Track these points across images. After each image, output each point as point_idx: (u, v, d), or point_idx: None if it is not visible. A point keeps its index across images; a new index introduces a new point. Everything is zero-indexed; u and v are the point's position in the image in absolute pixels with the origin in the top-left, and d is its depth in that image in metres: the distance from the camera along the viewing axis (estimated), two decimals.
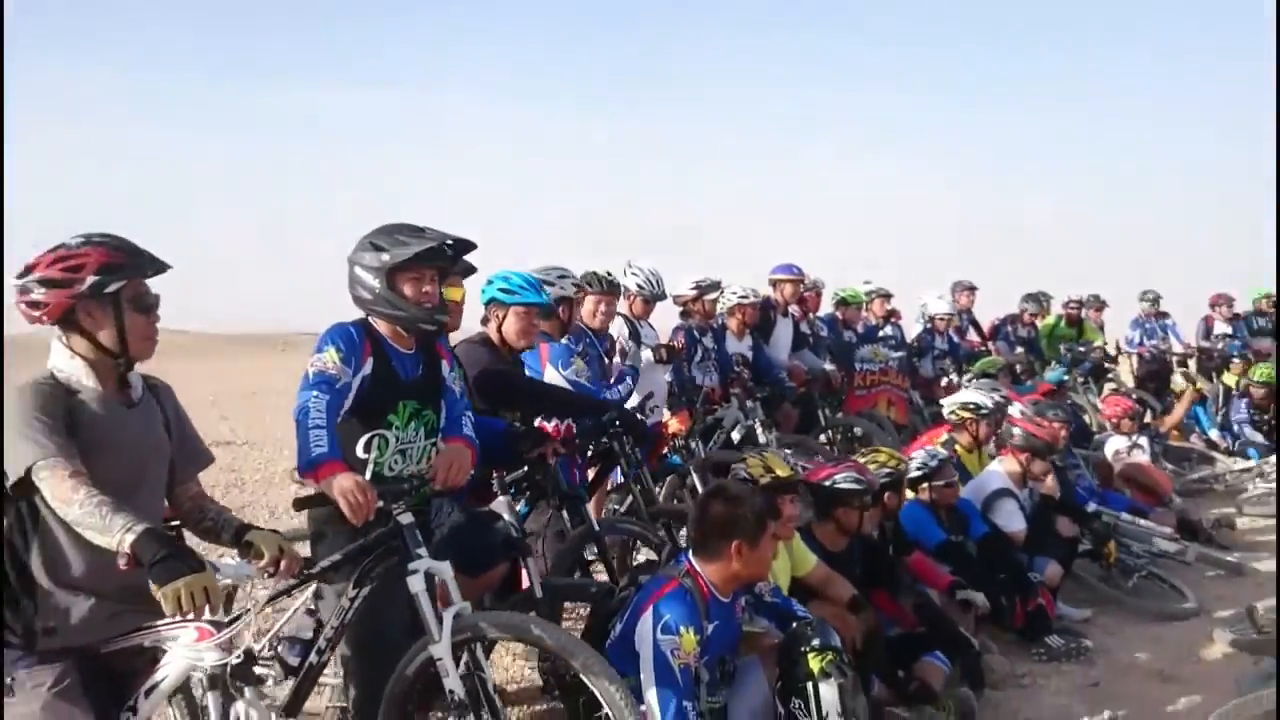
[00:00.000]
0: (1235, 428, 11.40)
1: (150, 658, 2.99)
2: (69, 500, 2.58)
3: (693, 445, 6.69)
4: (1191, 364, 13.76)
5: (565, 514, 4.88)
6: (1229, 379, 12.64)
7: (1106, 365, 12.78)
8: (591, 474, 5.78)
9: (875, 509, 5.29)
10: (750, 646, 3.94)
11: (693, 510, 3.89)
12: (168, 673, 2.87)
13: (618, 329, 6.99)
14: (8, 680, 2.75)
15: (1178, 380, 12.27)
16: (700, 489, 6.19)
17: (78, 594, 2.81)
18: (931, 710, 4.64)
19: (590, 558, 5.15)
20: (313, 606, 3.49)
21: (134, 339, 2.87)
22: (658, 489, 6.12)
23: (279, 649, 3.37)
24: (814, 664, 3.52)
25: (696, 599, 3.54)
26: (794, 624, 3.83)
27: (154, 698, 2.90)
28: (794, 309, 9.34)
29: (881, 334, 10.79)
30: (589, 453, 5.58)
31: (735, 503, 3.62)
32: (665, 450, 6.45)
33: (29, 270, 2.82)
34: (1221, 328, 13.81)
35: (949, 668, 4.92)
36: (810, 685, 3.49)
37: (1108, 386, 12.47)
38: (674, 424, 6.63)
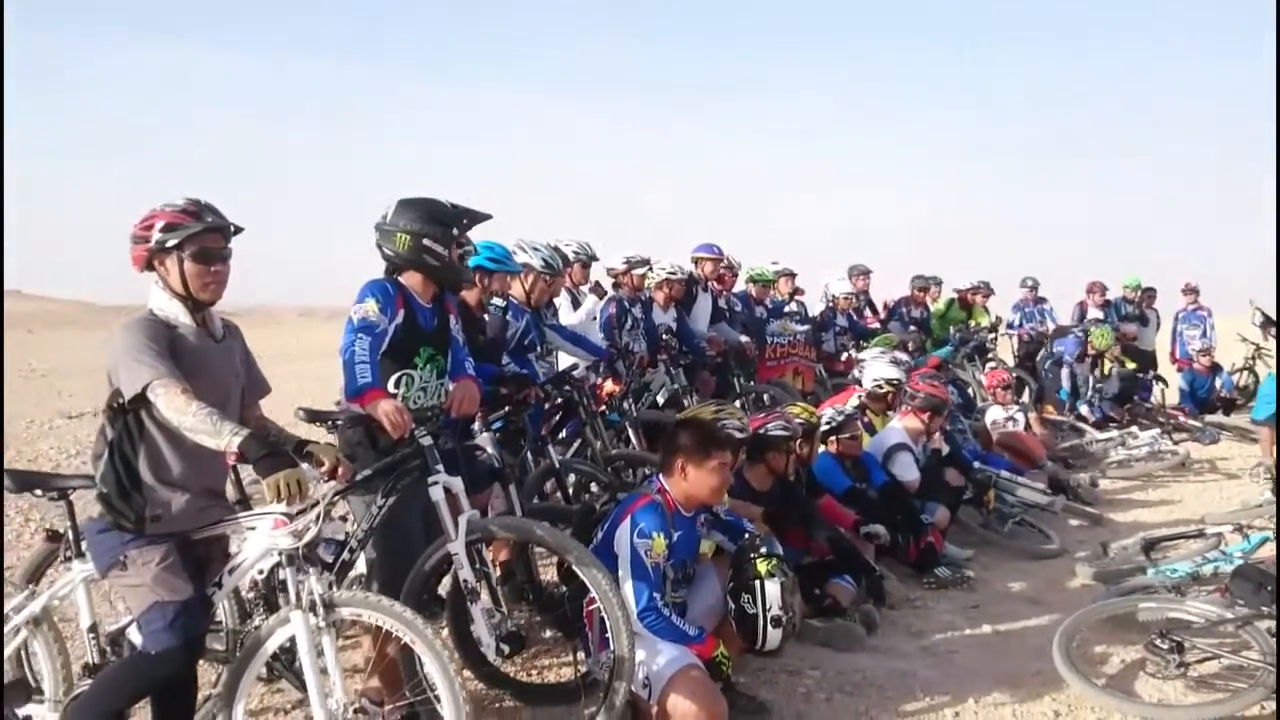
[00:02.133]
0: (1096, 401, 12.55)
1: (223, 547, 3.64)
2: (184, 410, 3.19)
3: (625, 405, 7.43)
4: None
5: (530, 455, 5.58)
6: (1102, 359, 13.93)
7: (989, 345, 13.92)
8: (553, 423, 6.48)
9: (794, 454, 6.13)
10: (708, 557, 4.72)
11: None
12: (247, 554, 3.52)
13: (561, 297, 7.72)
14: (120, 558, 3.37)
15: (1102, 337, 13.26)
16: (635, 442, 7.01)
17: (175, 490, 3.44)
18: (841, 620, 5.50)
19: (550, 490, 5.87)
20: (345, 514, 4.17)
21: (194, 284, 3.44)
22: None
23: (318, 549, 4.04)
24: (761, 566, 4.31)
25: (665, 511, 4.33)
26: (744, 536, 4.61)
27: (236, 574, 3.54)
28: (713, 285, 10.13)
29: (787, 309, 11.66)
30: (549, 404, 6.29)
31: (684, 432, 4.46)
32: (604, 408, 7.18)
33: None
34: (1094, 313, 15.10)
35: (855, 588, 5.81)
36: (758, 583, 4.28)
37: (989, 366, 13.57)
38: (609, 385, 7.37)
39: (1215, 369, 14.27)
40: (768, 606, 4.25)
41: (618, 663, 3.81)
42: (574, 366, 7.31)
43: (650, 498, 4.37)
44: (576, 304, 8.11)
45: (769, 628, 4.26)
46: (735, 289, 11.01)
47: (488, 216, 4.36)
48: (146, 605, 3.34)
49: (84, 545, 3.63)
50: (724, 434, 4.66)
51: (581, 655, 4.36)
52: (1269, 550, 5.90)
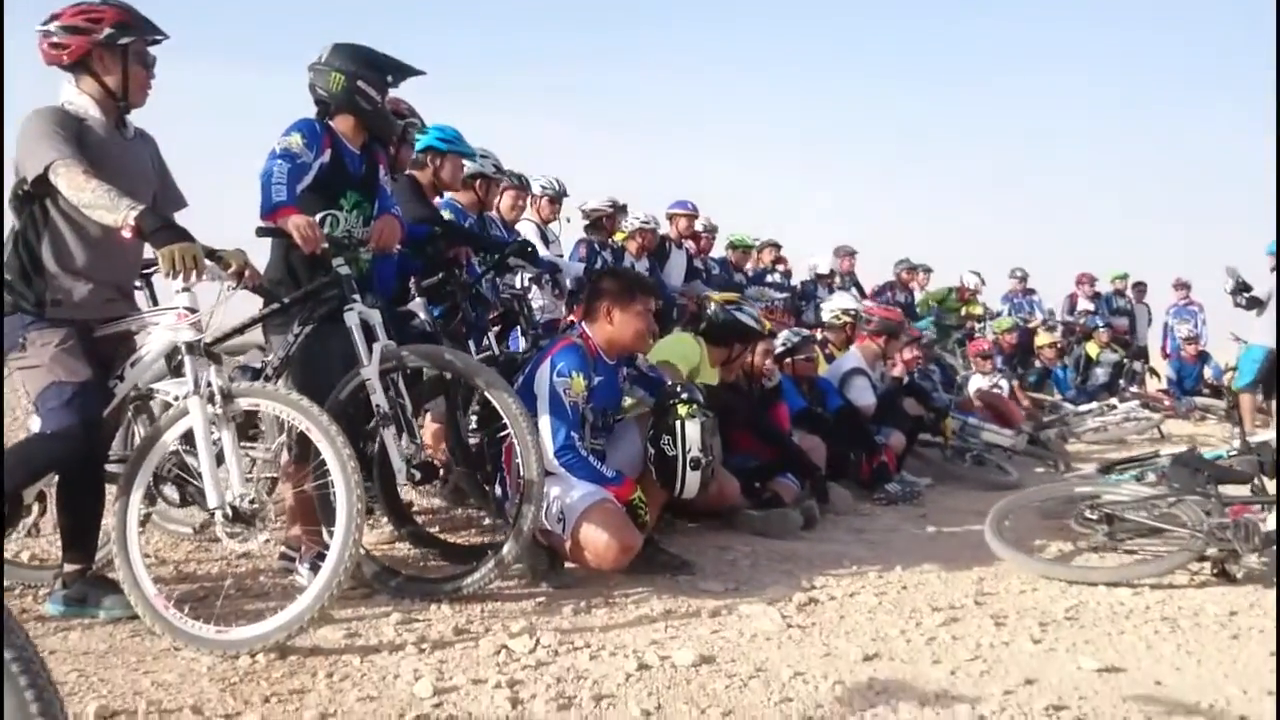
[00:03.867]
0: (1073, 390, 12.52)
1: (129, 348, 3.65)
2: (83, 187, 3.22)
3: None
4: (1056, 335, 14.96)
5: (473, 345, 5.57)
6: (1091, 349, 13.95)
7: (977, 333, 13.89)
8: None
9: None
10: (629, 415, 4.72)
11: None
12: (150, 346, 3.53)
13: (528, 230, 7.73)
14: (20, 340, 3.40)
15: (1041, 337, 13.26)
16: None
17: (79, 278, 3.46)
18: (782, 511, 5.48)
19: None
20: (262, 343, 4.19)
21: (134, 86, 3.52)
22: None
23: (234, 375, 4.05)
24: (681, 410, 4.30)
25: (586, 354, 4.34)
26: (666, 385, 4.61)
27: (138, 368, 3.54)
28: (689, 244, 10.16)
29: (769, 279, 11.69)
30: (489, 316, 6.26)
31: (612, 276, 4.48)
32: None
33: (54, 18, 3.47)
34: (1084, 304, 15.10)
35: (799, 486, 5.79)
36: (678, 424, 4.27)
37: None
38: (572, 318, 7.37)
39: (1203, 357, 14.19)
40: (687, 448, 4.24)
41: (526, 486, 3.80)
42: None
43: (571, 340, 4.39)
44: (545, 239, 8.11)
45: (688, 470, 4.25)
46: (715, 254, 11.08)
47: (421, 72, 4.40)
48: (44, 385, 3.37)
49: None
50: (646, 286, 4.66)
51: (499, 491, 4.35)
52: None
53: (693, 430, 4.25)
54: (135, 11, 3.53)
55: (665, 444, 4.27)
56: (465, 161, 5.80)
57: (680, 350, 5.25)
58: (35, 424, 3.58)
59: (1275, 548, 4.26)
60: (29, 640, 1.52)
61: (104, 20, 3.44)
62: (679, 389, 4.45)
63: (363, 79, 4.18)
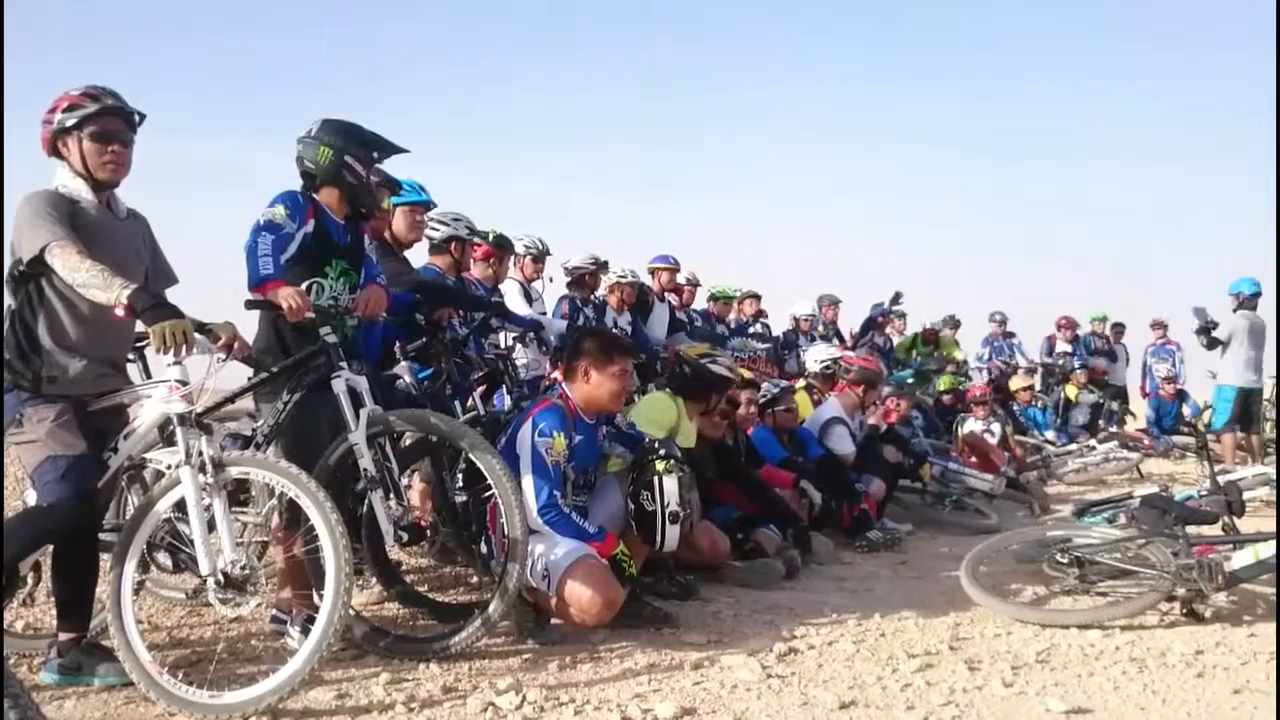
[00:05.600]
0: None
1: (122, 422, 3.76)
2: (77, 267, 3.35)
3: None
4: (1035, 378, 15.17)
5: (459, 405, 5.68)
6: (1070, 391, 14.17)
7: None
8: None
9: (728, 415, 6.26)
10: (613, 469, 4.83)
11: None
12: (143, 418, 3.65)
13: (512, 290, 7.89)
14: (17, 416, 3.52)
15: (1016, 380, 13.48)
16: None
17: (73, 354, 3.59)
18: (764, 562, 5.59)
19: None
20: (253, 411, 4.30)
21: (92, 163, 3.62)
22: None
23: (225, 444, 4.17)
24: (659, 465, 4.42)
25: (566, 414, 4.47)
26: (644, 442, 4.72)
27: (131, 440, 3.67)
28: (671, 297, 10.33)
29: (751, 330, 11.85)
30: (474, 376, 6.37)
31: (590, 337, 4.65)
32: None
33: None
34: (1062, 346, 15.33)
35: (780, 536, 5.90)
36: (656, 479, 4.39)
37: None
38: (556, 375, 7.50)
39: (1181, 396, 14.38)
40: (665, 502, 4.36)
41: (511, 544, 3.91)
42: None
43: (552, 401, 4.52)
44: (529, 298, 8.27)
45: (667, 524, 4.37)
46: (697, 305, 11.25)
47: (404, 150, 4.55)
48: (40, 460, 3.48)
49: None
50: (623, 347, 4.78)
51: (485, 550, 4.45)
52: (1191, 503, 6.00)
53: (670, 485, 4.37)
54: (94, 90, 3.63)
55: (645, 499, 4.39)
56: (440, 225, 5.95)
57: (656, 412, 5.36)
58: (31, 497, 3.68)
59: (1276, 575, 4.40)
60: (24, 689, 1.62)
61: (57, 108, 3.59)
62: (656, 445, 4.57)
63: (350, 154, 4.33)
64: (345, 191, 4.40)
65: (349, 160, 4.33)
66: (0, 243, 3.68)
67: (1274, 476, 6.83)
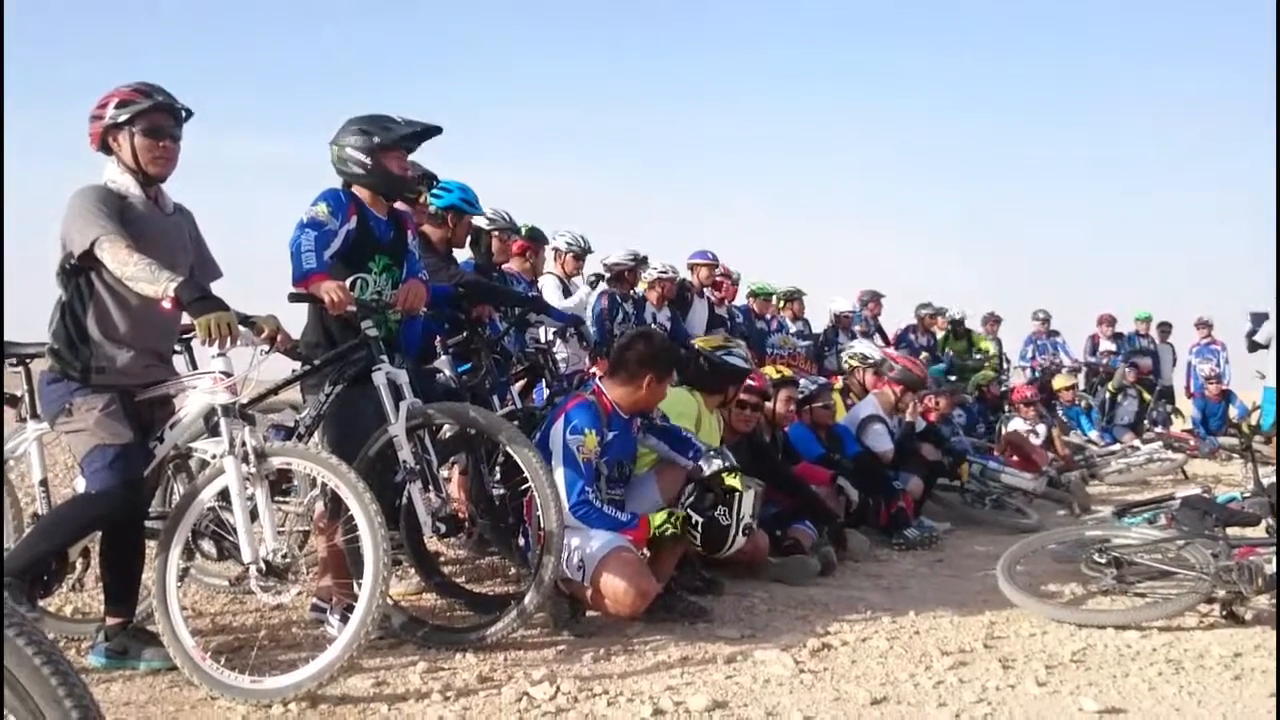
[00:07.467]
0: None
1: (169, 412, 3.85)
2: (126, 261, 3.43)
3: None
4: (1080, 377, 15.02)
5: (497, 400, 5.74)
6: (1112, 389, 14.01)
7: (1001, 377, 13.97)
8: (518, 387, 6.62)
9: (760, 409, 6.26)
10: (649, 464, 4.86)
11: (618, 343, 4.87)
12: (189, 409, 3.74)
13: (550, 285, 7.95)
14: (66, 405, 3.61)
15: (1059, 380, 13.34)
16: None
17: (121, 346, 3.68)
18: (799, 558, 5.60)
19: None
20: (295, 403, 4.39)
21: (143, 158, 3.70)
22: None
23: (268, 435, 4.25)
24: (732, 480, 4.43)
25: (599, 410, 4.51)
26: (694, 448, 4.69)
27: (177, 430, 3.75)
28: (710, 293, 10.34)
29: (794, 330, 11.82)
30: (513, 370, 6.42)
31: (658, 348, 4.66)
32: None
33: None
34: (1106, 345, 15.16)
35: (816, 534, 5.91)
36: (737, 495, 4.40)
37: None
38: (596, 370, 7.55)
39: (1228, 396, 14.16)
40: (741, 515, 4.40)
41: (546, 537, 3.95)
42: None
43: (585, 398, 4.55)
44: (567, 293, 8.32)
45: (739, 536, 4.42)
46: (736, 301, 11.25)
47: (437, 129, 4.54)
48: (89, 448, 3.57)
49: (38, 407, 3.88)
50: (679, 359, 4.82)
51: (522, 542, 4.50)
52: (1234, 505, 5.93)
53: (749, 500, 4.41)
54: (144, 88, 3.71)
55: (720, 514, 4.40)
56: (476, 220, 6.00)
57: (678, 409, 5.36)
58: (81, 484, 3.77)
59: (1277, 588, 4.34)
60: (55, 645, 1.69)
61: (109, 104, 3.67)
62: (717, 458, 4.56)
63: (361, 150, 4.30)
64: (369, 188, 4.44)
65: (358, 155, 4.31)
66: (1, 242, 3.78)
67: None
